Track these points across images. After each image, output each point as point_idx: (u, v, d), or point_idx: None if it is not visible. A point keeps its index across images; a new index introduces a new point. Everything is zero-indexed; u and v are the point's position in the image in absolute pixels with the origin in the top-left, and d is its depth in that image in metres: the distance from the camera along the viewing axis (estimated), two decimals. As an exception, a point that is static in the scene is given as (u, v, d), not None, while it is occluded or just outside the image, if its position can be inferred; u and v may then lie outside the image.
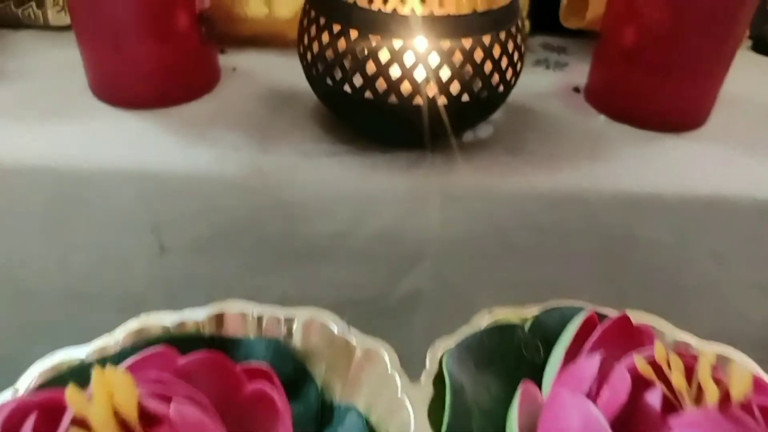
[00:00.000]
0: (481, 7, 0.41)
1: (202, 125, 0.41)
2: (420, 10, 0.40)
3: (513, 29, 0.36)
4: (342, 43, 0.34)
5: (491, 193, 0.39)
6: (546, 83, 0.50)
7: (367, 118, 0.37)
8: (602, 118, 0.45)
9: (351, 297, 0.42)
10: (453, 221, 0.39)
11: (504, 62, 0.36)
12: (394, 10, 0.40)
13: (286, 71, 0.47)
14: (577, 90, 0.49)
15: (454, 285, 0.42)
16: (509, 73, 0.37)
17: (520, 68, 0.38)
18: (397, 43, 0.33)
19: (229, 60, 0.49)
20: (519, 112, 0.44)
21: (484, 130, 0.42)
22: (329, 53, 0.35)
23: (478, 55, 0.34)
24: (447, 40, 0.33)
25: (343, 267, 0.41)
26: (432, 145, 0.40)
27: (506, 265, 0.41)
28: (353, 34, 0.34)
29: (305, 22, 0.37)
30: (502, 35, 0.35)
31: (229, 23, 0.50)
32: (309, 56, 0.37)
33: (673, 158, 0.42)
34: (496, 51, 0.35)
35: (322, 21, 0.35)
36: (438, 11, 0.43)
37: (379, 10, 0.34)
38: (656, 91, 0.43)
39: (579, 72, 0.51)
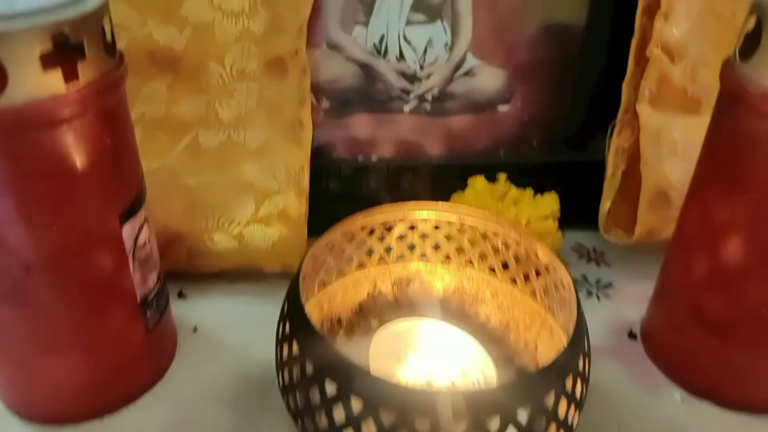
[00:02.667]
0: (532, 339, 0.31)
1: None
2: (454, 380, 0.30)
3: (580, 362, 0.25)
4: (340, 413, 0.24)
5: None
6: (593, 323, 0.39)
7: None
8: (678, 396, 0.35)
9: None
10: None
11: (572, 414, 0.25)
12: (417, 384, 0.28)
13: (260, 325, 0.35)
14: (632, 336, 0.38)
15: None
16: (576, 419, 0.26)
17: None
18: (421, 425, 0.23)
19: (190, 310, 0.39)
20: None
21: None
22: (322, 419, 0.24)
23: (539, 425, 0.24)
24: (495, 416, 0.23)
25: None
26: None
27: None
28: (356, 404, 0.23)
29: (285, 349, 0.26)
30: (569, 383, 0.24)
31: (190, 260, 0.40)
32: (290, 399, 0.26)
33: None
34: (562, 408, 0.24)
35: (309, 368, 0.24)
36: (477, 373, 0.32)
37: (395, 383, 0.23)
38: (751, 369, 0.33)
39: (628, 297, 0.41)
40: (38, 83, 0.23)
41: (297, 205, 0.39)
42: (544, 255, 0.31)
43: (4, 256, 0.26)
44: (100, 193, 0.27)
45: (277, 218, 0.39)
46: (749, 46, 0.28)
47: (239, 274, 0.40)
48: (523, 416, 0.23)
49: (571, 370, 0.25)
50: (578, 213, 0.46)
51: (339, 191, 0.45)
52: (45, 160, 0.25)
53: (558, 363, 0.24)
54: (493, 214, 0.32)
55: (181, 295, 0.40)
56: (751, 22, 0.28)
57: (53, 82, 0.23)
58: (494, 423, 0.23)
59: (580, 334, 0.25)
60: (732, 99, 0.29)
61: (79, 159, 0.25)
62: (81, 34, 0.24)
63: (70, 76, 0.24)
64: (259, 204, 0.39)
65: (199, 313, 0.38)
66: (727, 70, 0.30)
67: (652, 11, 0.40)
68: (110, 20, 0.27)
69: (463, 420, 0.22)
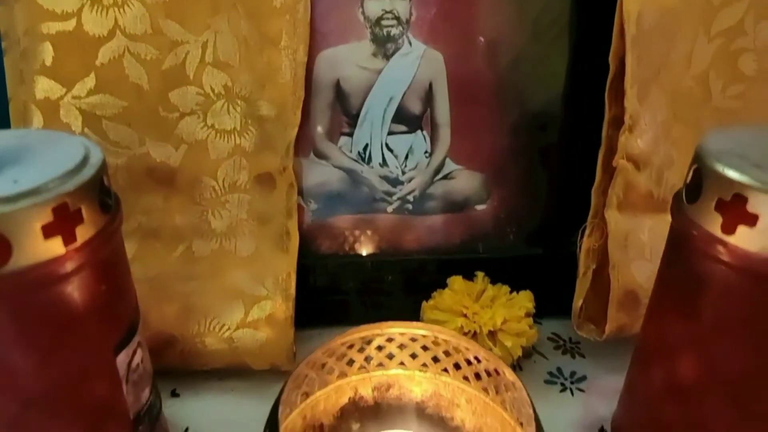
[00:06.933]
0: None
1: None
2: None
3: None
4: None
5: None
6: (566, 419, 0.41)
7: None
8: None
9: None
10: None
11: None
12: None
13: (249, 423, 0.37)
14: (603, 433, 0.40)
15: None
16: None
17: None
18: None
19: (182, 409, 0.41)
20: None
21: None
22: None
23: None
24: None
25: None
26: None
27: None
28: None
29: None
30: None
31: (183, 360, 0.42)
32: None
33: None
34: None
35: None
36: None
37: None
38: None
39: (602, 391, 0.43)
40: (40, 250, 0.26)
41: (284, 309, 0.41)
42: (509, 375, 0.33)
43: (5, 395, 0.28)
44: (95, 332, 0.29)
45: (265, 322, 0.41)
46: (693, 190, 0.30)
47: (229, 372, 0.43)
48: None
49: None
50: (555, 304, 0.48)
51: (326, 285, 0.47)
52: (44, 312, 0.27)
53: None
54: (466, 339, 0.34)
55: (174, 394, 0.42)
56: (693, 170, 0.30)
57: (53, 246, 0.26)
58: None
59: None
60: (682, 237, 0.31)
61: (75, 307, 0.28)
62: (80, 203, 0.27)
63: (69, 240, 0.26)
64: (248, 309, 0.41)
65: (191, 412, 0.41)
66: (676, 208, 0.32)
67: (617, 123, 0.43)
68: (107, 176, 0.29)
69: None
